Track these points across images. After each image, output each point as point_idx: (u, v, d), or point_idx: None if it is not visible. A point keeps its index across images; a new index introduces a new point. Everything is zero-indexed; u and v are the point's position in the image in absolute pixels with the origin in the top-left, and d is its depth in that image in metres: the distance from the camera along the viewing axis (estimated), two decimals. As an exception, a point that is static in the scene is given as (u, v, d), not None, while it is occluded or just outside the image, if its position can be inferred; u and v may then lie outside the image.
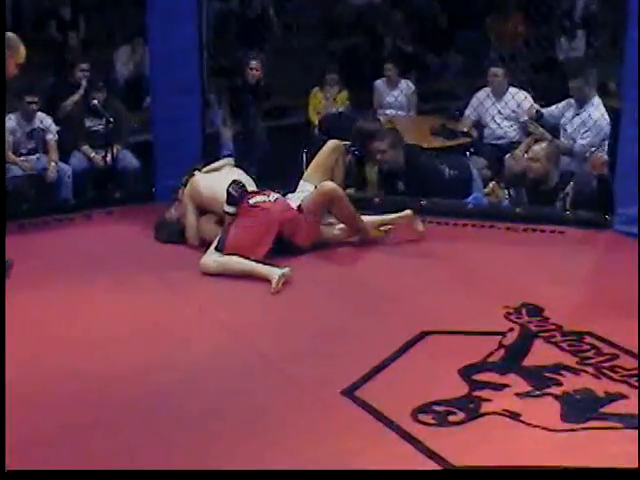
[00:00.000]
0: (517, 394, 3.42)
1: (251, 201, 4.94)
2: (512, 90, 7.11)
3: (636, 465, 2.88)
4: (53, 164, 6.57)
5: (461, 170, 6.06)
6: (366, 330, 4.04)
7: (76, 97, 7.20)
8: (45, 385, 3.56)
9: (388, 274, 4.80)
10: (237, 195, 4.91)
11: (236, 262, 4.71)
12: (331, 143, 5.48)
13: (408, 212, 5.26)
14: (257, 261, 4.70)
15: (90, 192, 6.79)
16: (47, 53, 9.13)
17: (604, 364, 3.64)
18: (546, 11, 10.91)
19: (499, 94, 7.12)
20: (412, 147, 6.21)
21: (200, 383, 3.58)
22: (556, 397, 3.38)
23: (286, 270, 4.54)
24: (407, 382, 3.55)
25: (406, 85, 8.35)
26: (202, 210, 5.16)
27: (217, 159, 5.69)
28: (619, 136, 5.40)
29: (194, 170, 5.27)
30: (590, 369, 3.61)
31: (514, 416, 3.25)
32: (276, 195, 5.06)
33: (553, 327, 4.02)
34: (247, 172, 5.36)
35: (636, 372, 3.54)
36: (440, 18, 11.34)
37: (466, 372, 3.58)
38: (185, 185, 5.23)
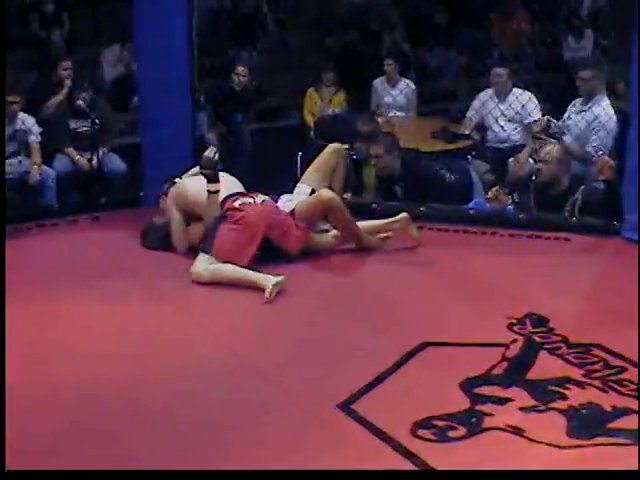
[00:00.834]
0: (521, 408, 3.43)
1: (236, 203, 4.93)
2: (516, 91, 7.12)
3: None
4: (36, 167, 6.54)
5: (462, 174, 6.08)
6: (363, 341, 4.04)
7: (60, 97, 7.20)
8: (25, 399, 3.55)
9: (386, 283, 4.80)
10: (212, 157, 4.93)
11: (228, 270, 4.71)
12: (332, 146, 5.50)
13: (404, 215, 5.27)
14: (250, 269, 4.71)
15: (75, 197, 6.79)
16: (29, 51, 9.15)
17: (611, 377, 3.65)
18: (551, 8, 10.95)
19: (502, 95, 7.13)
20: (410, 152, 6.23)
21: (191, 396, 3.58)
22: (561, 412, 3.39)
23: (280, 278, 4.55)
24: (406, 395, 3.55)
25: (406, 84, 8.37)
26: (188, 215, 5.15)
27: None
28: (627, 139, 5.42)
29: (174, 178, 5.29)
30: (597, 382, 3.61)
31: (518, 432, 3.26)
32: (263, 197, 5.06)
33: (559, 338, 4.02)
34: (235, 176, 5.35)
35: (645, 385, 3.55)
36: (440, 16, 11.38)
37: (468, 385, 3.59)
38: (166, 194, 5.24)
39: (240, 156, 7.55)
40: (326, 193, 5.08)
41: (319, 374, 3.73)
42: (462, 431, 3.26)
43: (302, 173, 5.61)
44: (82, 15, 10.14)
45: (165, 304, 4.52)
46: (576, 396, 3.50)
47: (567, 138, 6.39)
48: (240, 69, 7.90)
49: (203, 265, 4.77)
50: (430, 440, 3.21)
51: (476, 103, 7.32)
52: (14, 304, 4.31)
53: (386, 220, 5.28)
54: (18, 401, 3.41)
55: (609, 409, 3.40)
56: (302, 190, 5.32)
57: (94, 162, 6.56)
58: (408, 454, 3.12)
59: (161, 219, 5.29)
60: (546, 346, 3.95)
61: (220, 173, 5.34)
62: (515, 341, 4.00)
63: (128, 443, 3.24)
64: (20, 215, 5.87)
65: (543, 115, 6.76)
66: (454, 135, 7.27)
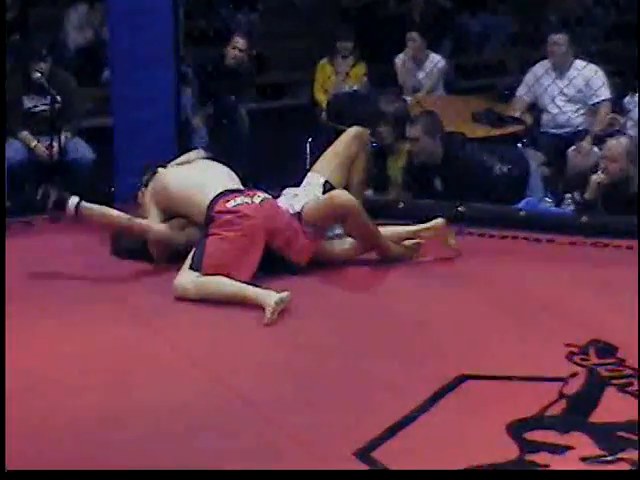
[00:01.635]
0: (583, 459, 3.43)
1: (230, 204, 4.94)
2: (578, 63, 7.14)
3: None
4: (-19, 156, 6.59)
5: (515, 165, 6.08)
6: (386, 373, 4.05)
7: (9, 68, 7.21)
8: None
9: (413, 302, 4.82)
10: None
11: (220, 283, 4.73)
12: (353, 130, 5.51)
13: (439, 221, 5.27)
14: (248, 283, 4.73)
15: (31, 192, 6.81)
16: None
17: (695, 420, 3.66)
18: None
19: (561, 69, 7.15)
20: (453, 135, 6.22)
21: (177, 440, 3.58)
22: (634, 464, 3.39)
23: (284, 295, 4.56)
24: (439, 441, 3.56)
25: (433, 63, 8.35)
26: (170, 215, 5.18)
27: (188, 150, 5.72)
28: None
29: (157, 167, 5.30)
30: (677, 427, 3.62)
31: (578, 487, 3.27)
32: (262, 195, 5.07)
33: (630, 372, 4.03)
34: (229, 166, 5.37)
35: None
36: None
37: (516, 429, 3.60)
38: (146, 186, 5.26)
39: (234, 143, 7.57)
40: (340, 195, 5.08)
41: (332, 414, 3.74)
42: (509, 486, 3.27)
43: (312, 164, 5.63)
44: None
45: (142, 327, 4.53)
46: (651, 444, 3.51)
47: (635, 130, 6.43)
48: (237, 41, 7.90)
49: (190, 277, 4.79)
50: (469, 497, 3.23)
51: (529, 78, 7.34)
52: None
53: (416, 227, 5.28)
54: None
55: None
56: (313, 181, 5.34)
57: (54, 149, 6.59)
58: (442, 515, 3.14)
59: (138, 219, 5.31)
60: (614, 381, 3.96)
61: (210, 162, 5.36)
62: (575, 375, 4.01)
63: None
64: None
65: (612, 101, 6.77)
66: (501, 118, 7.29)
